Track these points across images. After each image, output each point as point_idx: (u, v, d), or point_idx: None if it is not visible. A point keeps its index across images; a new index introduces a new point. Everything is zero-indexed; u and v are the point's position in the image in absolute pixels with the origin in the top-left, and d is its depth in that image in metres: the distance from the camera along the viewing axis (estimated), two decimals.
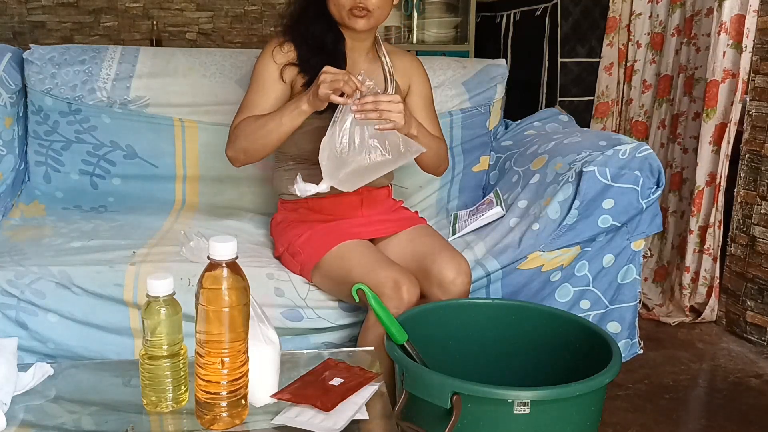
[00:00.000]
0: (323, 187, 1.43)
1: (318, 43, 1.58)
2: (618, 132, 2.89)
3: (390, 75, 1.67)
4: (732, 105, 2.35)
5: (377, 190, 1.68)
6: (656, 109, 2.74)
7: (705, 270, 2.47)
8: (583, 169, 1.62)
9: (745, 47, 2.32)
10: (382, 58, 1.68)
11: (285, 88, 1.60)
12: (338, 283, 1.51)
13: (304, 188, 1.42)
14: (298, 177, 1.44)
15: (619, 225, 1.64)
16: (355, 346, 1.53)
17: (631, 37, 2.82)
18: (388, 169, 1.46)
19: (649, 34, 2.77)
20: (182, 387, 1.01)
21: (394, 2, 1.59)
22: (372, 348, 1.31)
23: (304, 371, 1.10)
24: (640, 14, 2.78)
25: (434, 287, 1.48)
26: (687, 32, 2.55)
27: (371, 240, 1.62)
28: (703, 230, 2.45)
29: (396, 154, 1.41)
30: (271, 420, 0.98)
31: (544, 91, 3.20)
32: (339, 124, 1.39)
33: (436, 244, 1.57)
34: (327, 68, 1.40)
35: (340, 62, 1.58)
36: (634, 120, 2.84)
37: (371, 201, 1.67)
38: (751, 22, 2.30)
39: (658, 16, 2.71)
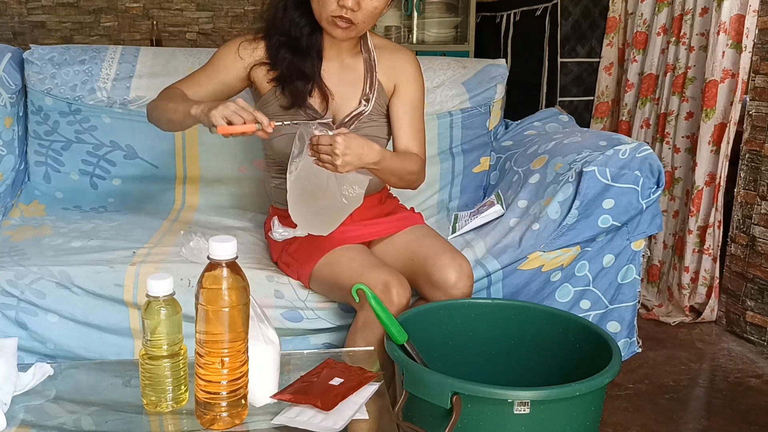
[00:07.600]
0: (300, 232, 1.41)
1: (291, 35, 1.49)
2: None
3: (371, 73, 1.58)
4: (731, 105, 2.35)
5: (367, 198, 1.54)
6: (639, 108, 2.73)
7: (705, 270, 2.47)
8: (583, 169, 1.62)
9: (745, 47, 2.32)
10: (366, 54, 1.59)
11: (234, 84, 1.56)
12: (332, 290, 1.50)
13: (282, 233, 1.40)
14: (274, 221, 1.42)
15: (620, 225, 1.64)
16: None
17: (627, 37, 2.82)
18: (347, 211, 1.43)
19: (633, 33, 2.76)
20: (182, 387, 1.01)
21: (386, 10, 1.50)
22: (372, 348, 1.31)
23: (304, 371, 1.10)
24: (632, 13, 2.78)
25: (436, 291, 1.44)
26: (676, 31, 2.54)
27: (368, 242, 1.60)
28: (703, 230, 2.45)
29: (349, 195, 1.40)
30: (271, 420, 0.98)
31: (544, 91, 3.20)
32: (302, 162, 1.36)
33: (436, 245, 1.51)
34: (239, 102, 1.31)
35: (312, 58, 1.51)
36: (620, 120, 2.85)
37: (361, 208, 1.54)
38: (750, 22, 2.30)
39: (642, 14, 2.70)
